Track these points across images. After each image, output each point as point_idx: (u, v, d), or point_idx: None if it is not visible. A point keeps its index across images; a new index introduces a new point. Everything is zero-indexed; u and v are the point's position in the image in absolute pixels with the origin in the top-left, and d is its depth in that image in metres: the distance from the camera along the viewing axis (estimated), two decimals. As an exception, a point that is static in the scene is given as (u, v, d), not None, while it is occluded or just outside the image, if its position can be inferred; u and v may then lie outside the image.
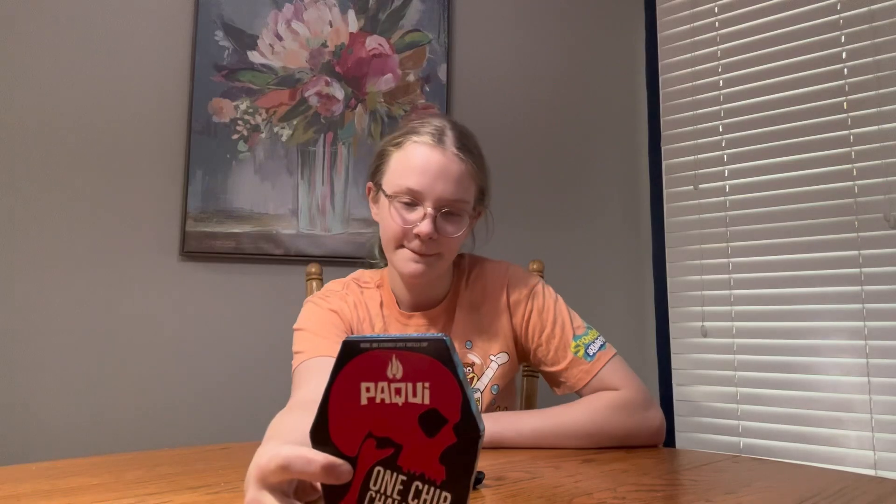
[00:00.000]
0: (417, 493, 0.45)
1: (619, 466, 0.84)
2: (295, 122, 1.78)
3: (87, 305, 1.63)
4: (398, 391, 0.45)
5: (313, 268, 1.51)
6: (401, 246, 1.01)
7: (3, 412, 1.55)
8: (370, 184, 1.10)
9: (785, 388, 1.68)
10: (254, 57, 1.77)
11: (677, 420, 1.85)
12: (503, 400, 1.12)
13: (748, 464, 0.90)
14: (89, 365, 1.61)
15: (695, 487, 0.75)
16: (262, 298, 1.72)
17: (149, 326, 1.66)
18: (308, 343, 1.01)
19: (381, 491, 0.45)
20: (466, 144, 1.03)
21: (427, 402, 0.45)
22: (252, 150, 1.74)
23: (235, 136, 1.73)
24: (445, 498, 0.44)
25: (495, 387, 1.09)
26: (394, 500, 0.45)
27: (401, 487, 0.45)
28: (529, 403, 1.48)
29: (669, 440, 1.86)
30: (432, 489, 0.45)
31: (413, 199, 0.99)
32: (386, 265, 1.13)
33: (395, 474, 0.45)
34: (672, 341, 1.89)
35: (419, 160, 0.99)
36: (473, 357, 1.09)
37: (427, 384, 0.45)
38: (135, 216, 1.68)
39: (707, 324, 1.83)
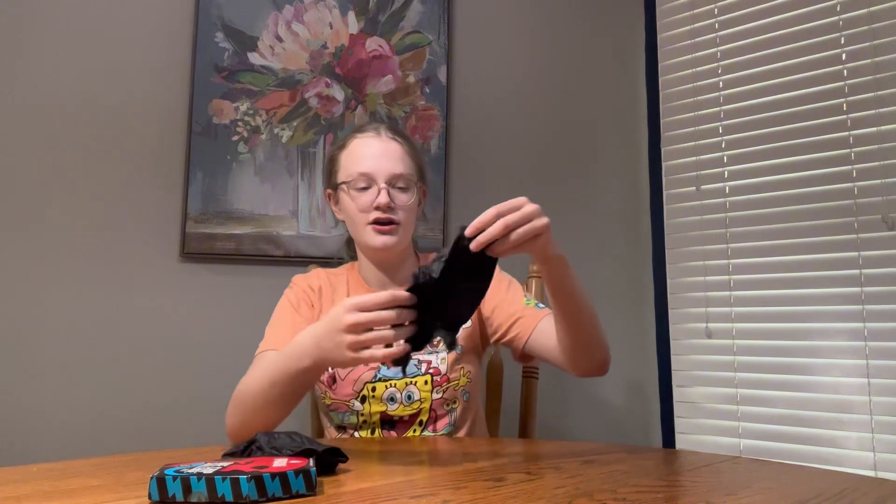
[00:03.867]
0: None
1: (619, 467, 0.84)
2: (295, 124, 1.78)
3: (87, 306, 1.63)
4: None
5: (313, 269, 1.51)
6: (366, 225, 1.16)
7: (4, 413, 1.55)
8: (328, 190, 1.26)
9: (785, 389, 1.68)
10: (254, 58, 1.77)
11: (677, 421, 1.85)
12: (468, 363, 1.20)
13: (748, 465, 0.90)
14: (90, 366, 1.61)
15: (695, 489, 0.76)
16: (262, 299, 1.71)
17: (149, 327, 1.66)
18: (268, 335, 1.18)
19: None
20: (398, 131, 1.23)
21: None
22: (252, 152, 1.75)
23: (235, 138, 1.74)
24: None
25: (459, 347, 1.19)
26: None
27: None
28: (527, 405, 1.48)
29: (669, 441, 1.86)
30: None
31: (366, 182, 1.16)
32: (354, 258, 1.30)
33: None
34: (672, 342, 1.89)
35: (364, 148, 1.18)
36: None
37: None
38: (135, 217, 1.68)
39: (710, 325, 1.83)
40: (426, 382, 1.14)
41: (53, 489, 0.69)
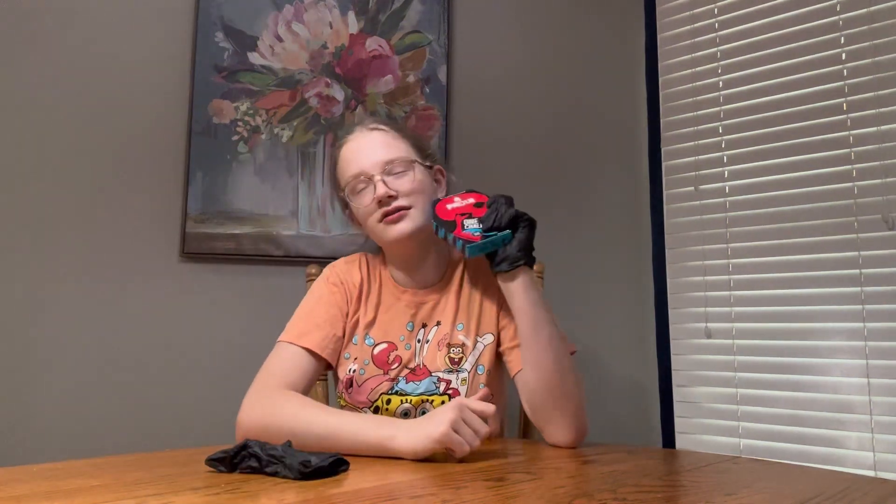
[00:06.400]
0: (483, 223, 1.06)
1: (619, 467, 0.84)
2: (295, 124, 1.78)
3: (87, 306, 1.63)
4: (461, 202, 1.10)
5: (313, 269, 1.51)
6: (377, 223, 1.11)
7: (4, 413, 1.55)
8: (347, 211, 1.21)
9: (785, 389, 1.68)
10: (254, 58, 1.77)
11: (677, 421, 1.85)
12: (490, 386, 1.13)
13: (748, 465, 0.90)
14: (90, 366, 1.61)
15: (695, 489, 0.76)
16: (262, 299, 1.72)
17: (149, 327, 1.66)
18: (295, 324, 1.14)
19: (470, 223, 1.07)
20: (381, 120, 1.21)
21: (473, 200, 1.11)
22: (252, 152, 1.75)
23: (235, 138, 1.74)
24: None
25: (481, 367, 1.13)
26: (476, 226, 1.06)
27: (477, 222, 1.07)
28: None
29: (669, 441, 1.86)
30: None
31: (363, 181, 1.11)
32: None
33: (472, 219, 1.07)
34: (672, 342, 1.89)
35: (349, 152, 1.15)
36: (463, 338, 1.15)
37: (472, 197, 1.11)
38: (135, 217, 1.68)
39: (710, 325, 1.83)
40: (443, 403, 1.09)
41: (53, 489, 0.69)
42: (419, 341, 1.15)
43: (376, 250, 1.25)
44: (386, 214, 1.09)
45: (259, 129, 1.75)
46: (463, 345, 1.14)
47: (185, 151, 1.72)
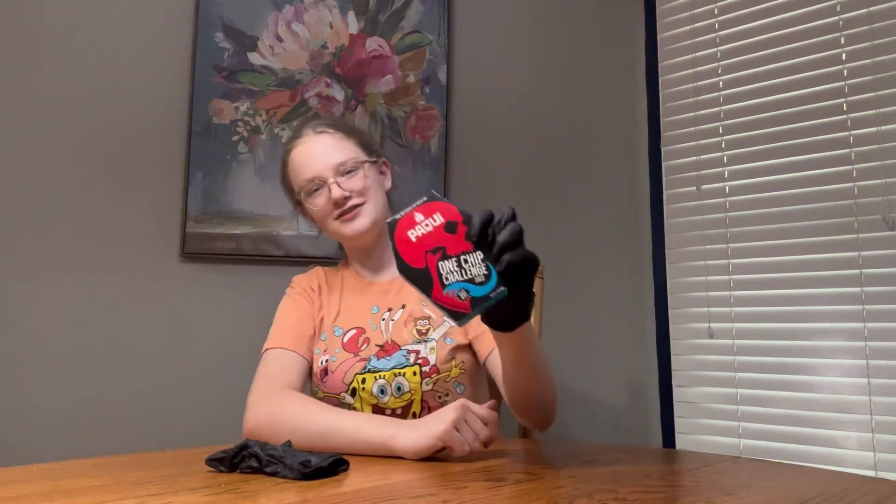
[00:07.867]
0: (466, 261, 0.78)
1: (619, 467, 0.84)
2: (295, 124, 1.78)
3: (87, 306, 1.63)
4: (426, 225, 0.79)
5: (313, 268, 1.51)
6: (332, 221, 1.19)
7: (4, 413, 1.55)
8: (294, 199, 1.27)
9: (785, 389, 1.68)
10: (254, 58, 1.77)
11: (677, 421, 1.85)
12: (463, 354, 1.16)
13: (749, 465, 0.90)
14: (90, 366, 1.61)
15: (695, 489, 0.76)
16: (261, 299, 1.72)
17: (149, 327, 1.66)
18: (273, 334, 1.19)
19: (449, 271, 0.78)
20: (325, 122, 1.24)
21: (443, 220, 0.79)
22: (252, 152, 1.75)
23: (235, 138, 1.74)
24: (478, 254, 0.78)
25: (449, 339, 1.15)
26: (456, 271, 0.78)
27: (456, 264, 0.78)
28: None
29: (669, 441, 1.86)
30: (471, 255, 0.78)
31: (316, 185, 1.18)
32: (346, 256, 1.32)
33: (449, 259, 0.78)
34: (672, 342, 1.89)
35: (300, 156, 1.21)
36: (429, 311, 1.18)
37: (438, 212, 0.79)
38: (135, 217, 1.68)
39: (712, 325, 1.83)
40: (414, 374, 1.12)
41: (53, 489, 0.69)
42: (384, 321, 1.19)
43: (340, 252, 1.34)
44: (342, 214, 1.17)
45: (259, 129, 1.75)
46: (429, 317, 1.17)
47: (185, 151, 1.72)
